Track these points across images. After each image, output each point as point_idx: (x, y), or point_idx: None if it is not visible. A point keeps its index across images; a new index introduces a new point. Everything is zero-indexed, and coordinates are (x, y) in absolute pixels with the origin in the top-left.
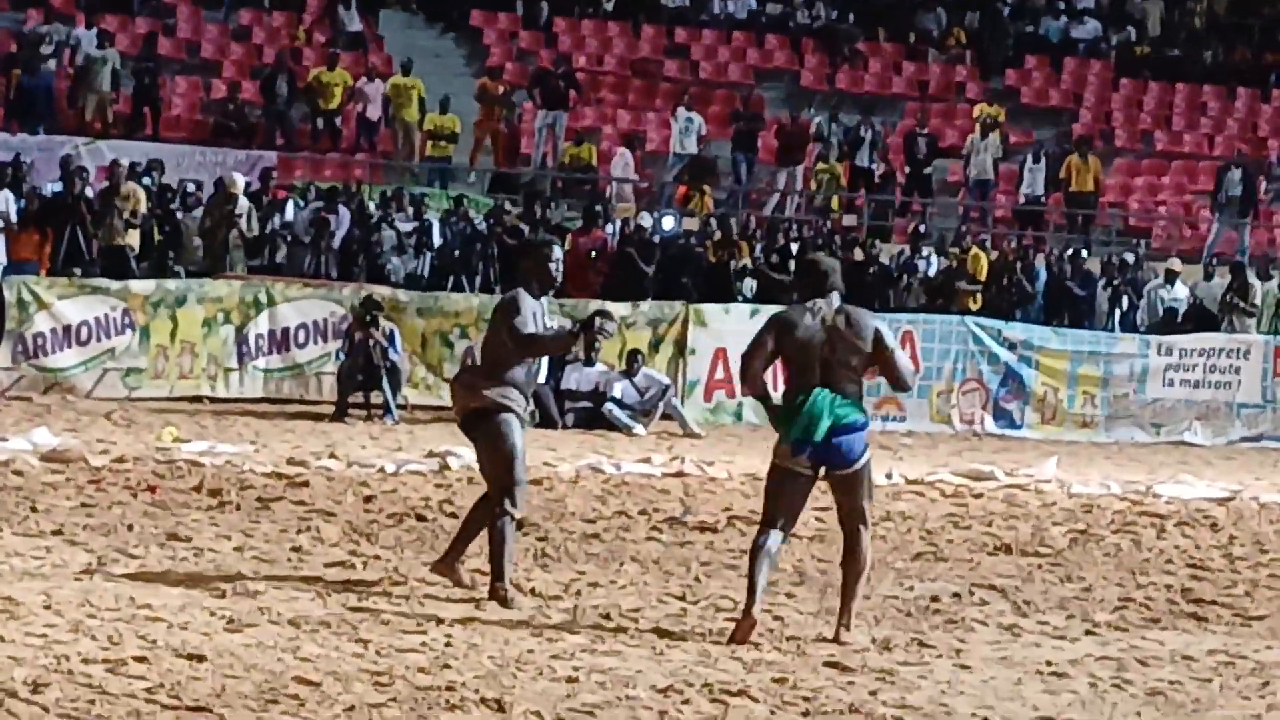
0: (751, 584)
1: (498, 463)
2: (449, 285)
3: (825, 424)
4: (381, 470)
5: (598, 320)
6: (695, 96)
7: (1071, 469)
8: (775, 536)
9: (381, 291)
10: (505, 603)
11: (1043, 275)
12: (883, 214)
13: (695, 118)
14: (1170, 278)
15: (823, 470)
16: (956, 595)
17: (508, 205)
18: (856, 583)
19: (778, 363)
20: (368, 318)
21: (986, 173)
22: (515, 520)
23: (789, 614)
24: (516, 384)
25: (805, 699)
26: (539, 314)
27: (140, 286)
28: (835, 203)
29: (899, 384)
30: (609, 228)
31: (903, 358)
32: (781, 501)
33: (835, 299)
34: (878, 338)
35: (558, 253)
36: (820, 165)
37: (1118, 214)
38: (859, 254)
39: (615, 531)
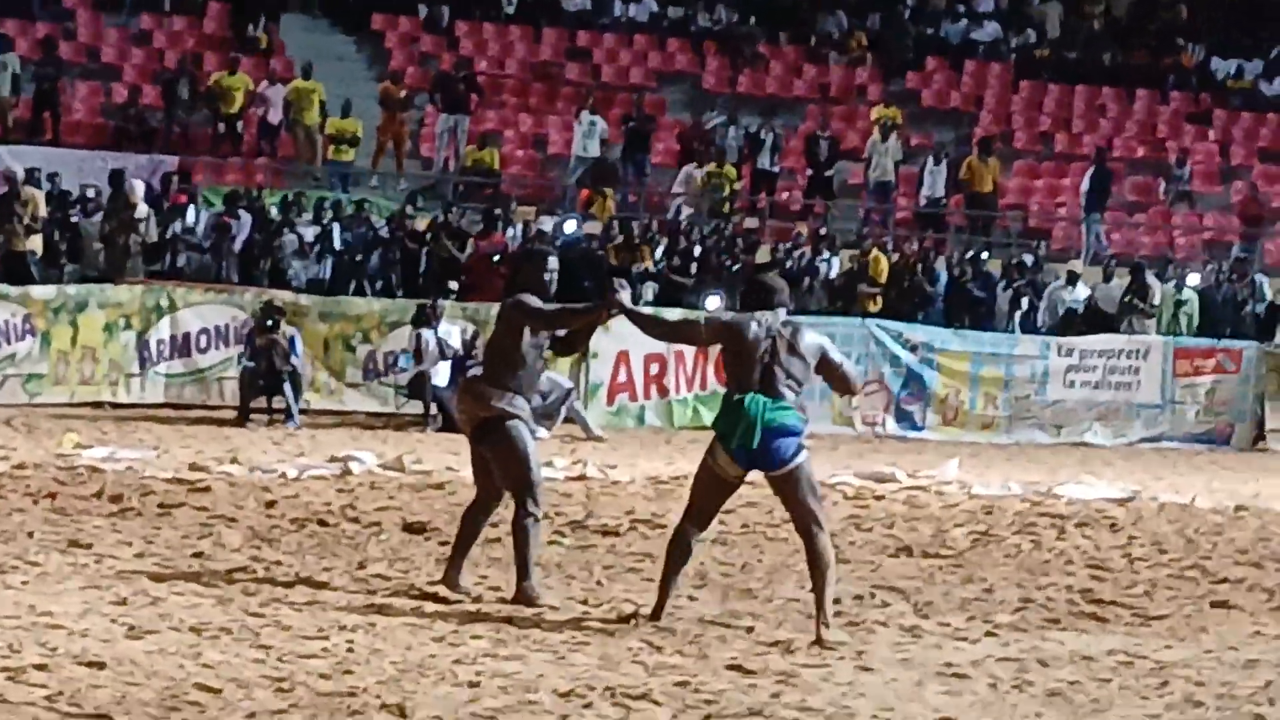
0: (665, 586)
1: (514, 467)
2: (351, 290)
3: (760, 430)
4: (283, 475)
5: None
6: (598, 100)
7: (973, 470)
8: (695, 536)
9: (283, 296)
10: (532, 602)
11: (943, 277)
12: (784, 216)
13: (598, 121)
14: (1072, 279)
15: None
16: (858, 597)
17: (409, 209)
18: (824, 580)
19: (718, 360)
20: (269, 322)
21: (887, 175)
22: (538, 520)
23: (690, 617)
24: (520, 390)
25: (707, 702)
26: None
27: (40, 292)
28: (726, 206)
29: (846, 390)
30: (510, 231)
31: (848, 365)
32: (705, 501)
33: (782, 314)
34: (822, 353)
35: (553, 263)
36: (712, 167)
37: (1017, 216)
38: (762, 256)
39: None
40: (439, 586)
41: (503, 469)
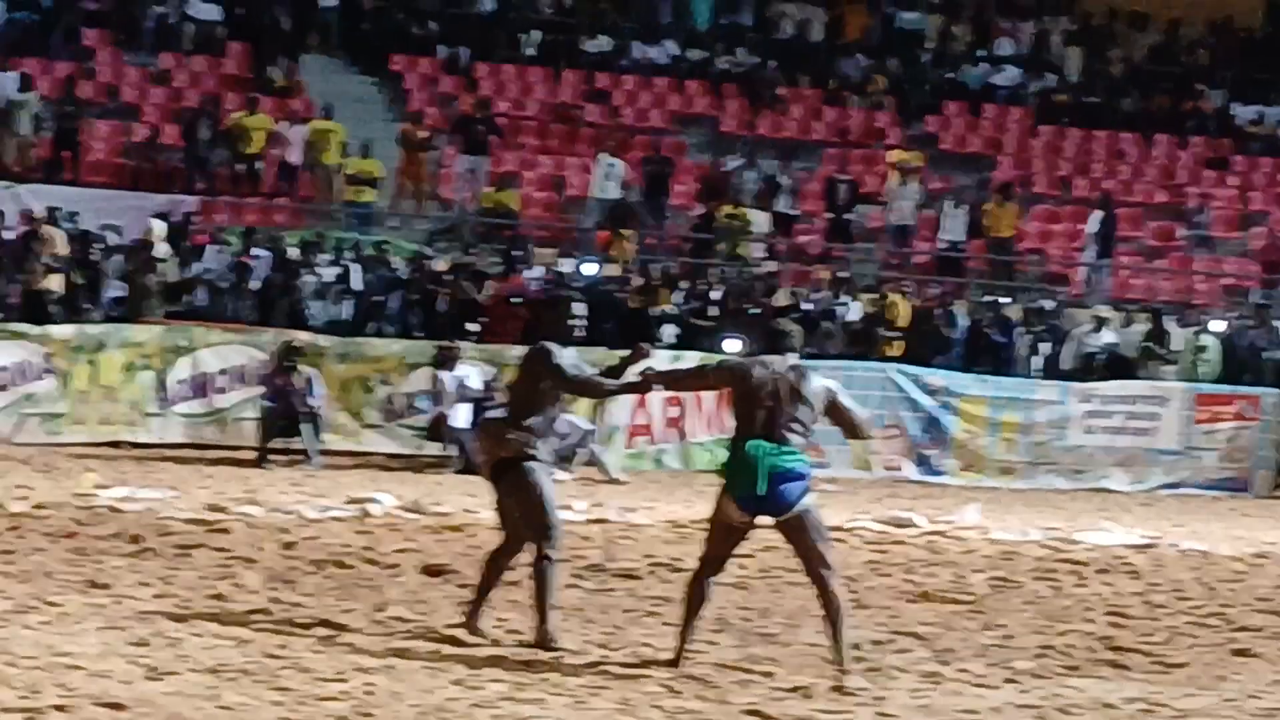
0: (684, 631)
1: (531, 509)
2: (370, 331)
3: (764, 478)
4: (302, 517)
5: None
6: (617, 142)
7: (992, 515)
8: (712, 582)
9: (302, 337)
10: (551, 646)
11: (962, 322)
12: (803, 259)
13: (617, 163)
14: (1099, 324)
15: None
16: (877, 642)
17: (428, 250)
18: (839, 623)
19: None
20: (288, 363)
21: (907, 219)
22: (554, 562)
23: (709, 661)
24: (539, 432)
25: None
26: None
27: (60, 332)
28: (744, 248)
29: (857, 434)
30: (529, 273)
31: (857, 409)
32: (717, 548)
33: (791, 358)
34: (830, 397)
35: (579, 310)
36: (727, 209)
37: (1036, 260)
38: (781, 299)
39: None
40: (458, 629)
41: (520, 510)
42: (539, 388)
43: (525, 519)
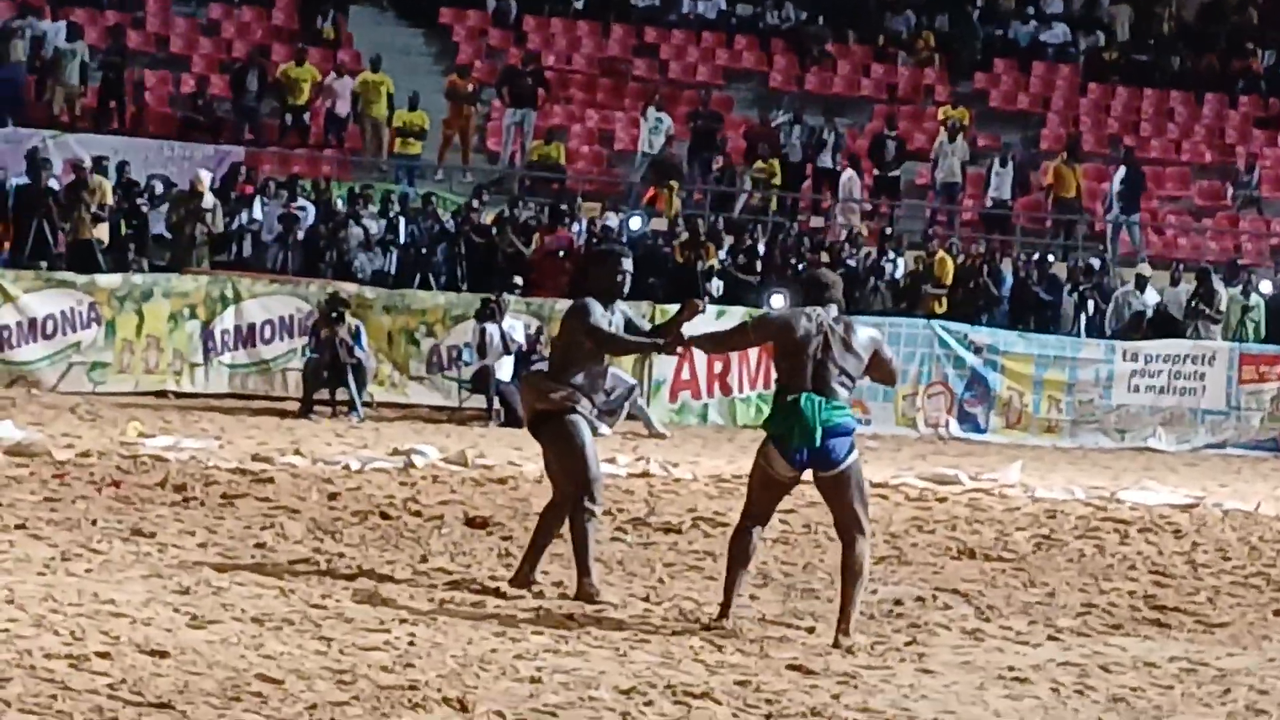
0: (731, 585)
1: (571, 462)
2: (415, 283)
3: (819, 430)
4: (346, 468)
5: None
6: (665, 96)
7: (1036, 474)
8: (756, 533)
9: (348, 288)
10: (592, 599)
11: (1009, 279)
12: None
13: (665, 118)
14: (1141, 283)
15: (810, 474)
16: (920, 599)
17: (474, 203)
18: (853, 588)
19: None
20: (334, 314)
21: (954, 176)
22: (596, 516)
23: (752, 616)
24: (581, 387)
25: (768, 701)
26: (609, 321)
27: (106, 281)
28: (774, 203)
29: (889, 381)
30: (575, 227)
31: (895, 360)
32: (763, 501)
33: (834, 310)
34: (875, 347)
35: (627, 264)
36: (758, 164)
37: (1084, 219)
38: (825, 256)
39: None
40: (501, 582)
41: (560, 464)
42: (579, 342)
43: (565, 472)
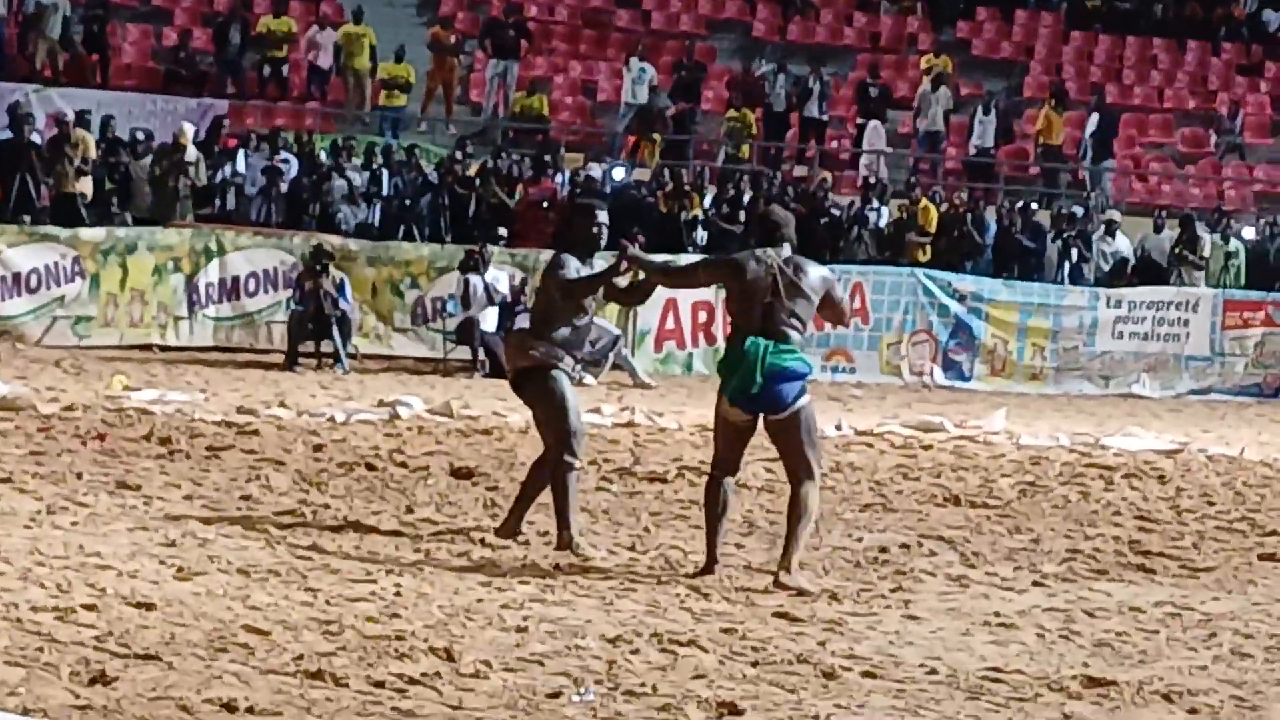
0: (712, 536)
1: (553, 416)
2: (399, 235)
3: (759, 374)
4: (331, 419)
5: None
6: (648, 47)
7: (1020, 421)
8: (727, 483)
9: (332, 241)
10: (574, 550)
11: (992, 228)
12: (832, 165)
13: (648, 68)
14: (1111, 229)
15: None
16: (905, 546)
17: (458, 155)
18: (797, 527)
19: (720, 310)
20: (318, 267)
21: (937, 124)
22: (577, 469)
23: (737, 564)
24: (564, 342)
25: (754, 649)
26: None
27: (90, 234)
28: (745, 150)
29: (837, 322)
30: (559, 178)
31: (845, 300)
32: (726, 447)
33: (786, 250)
34: (827, 288)
35: (602, 216)
36: (731, 113)
37: (1066, 166)
38: (809, 204)
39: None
40: (487, 532)
41: (542, 418)
42: (558, 298)
43: (547, 426)
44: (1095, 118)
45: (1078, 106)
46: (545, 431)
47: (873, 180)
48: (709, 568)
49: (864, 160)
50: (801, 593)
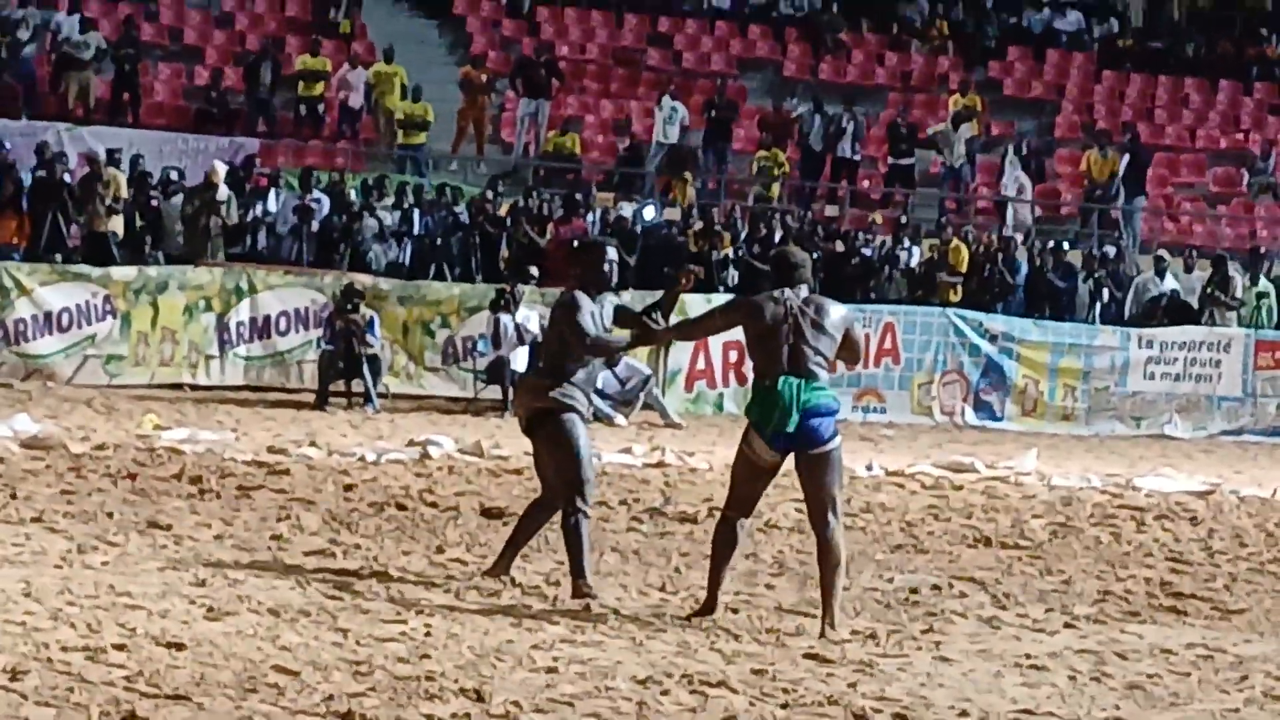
0: (716, 577)
1: (565, 463)
2: (430, 274)
3: (797, 413)
4: (362, 459)
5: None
6: (679, 86)
7: (1051, 461)
8: (741, 525)
9: (363, 280)
10: (587, 599)
11: (1024, 267)
12: (864, 204)
13: (679, 107)
14: (1160, 269)
15: (791, 457)
16: (936, 587)
17: (489, 194)
18: (834, 577)
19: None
20: (349, 306)
21: (960, 162)
22: (588, 517)
23: (768, 605)
24: (577, 383)
25: (784, 690)
26: (597, 314)
27: (121, 273)
28: (775, 190)
29: (853, 359)
30: (590, 217)
31: (862, 339)
32: (746, 488)
33: (804, 290)
34: (847, 325)
35: (613, 254)
36: (762, 153)
37: (1101, 206)
38: (840, 245)
39: (595, 522)
40: (517, 573)
41: (551, 462)
42: (570, 339)
43: (558, 472)
44: (1126, 158)
45: (1110, 146)
46: (553, 476)
47: (1027, 233)
48: (709, 607)
49: (1009, 209)
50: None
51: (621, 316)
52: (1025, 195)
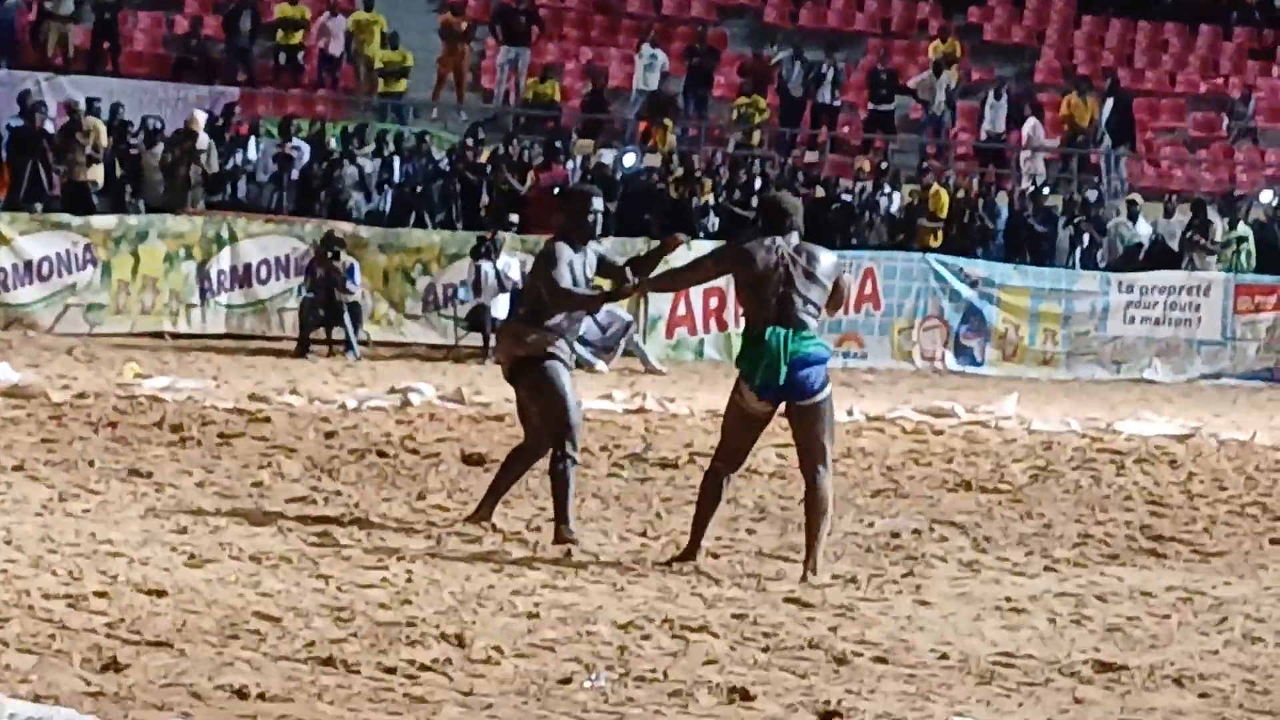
0: (700, 526)
1: (551, 409)
2: (411, 222)
3: (785, 364)
4: (343, 406)
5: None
6: (658, 33)
7: (1032, 406)
8: (729, 480)
9: (343, 227)
10: (571, 544)
11: (1004, 213)
12: (844, 150)
13: (659, 54)
14: (1133, 213)
15: (782, 405)
16: (916, 531)
17: (469, 142)
18: (820, 524)
19: (732, 295)
20: (330, 254)
21: (941, 109)
22: (576, 463)
23: (749, 550)
24: (560, 330)
25: (765, 635)
26: (579, 265)
27: (102, 222)
28: (756, 137)
29: (836, 307)
30: (570, 164)
31: (850, 286)
32: (737, 440)
33: (794, 238)
34: (838, 274)
35: (597, 203)
36: (742, 99)
37: (1083, 150)
38: (820, 191)
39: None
40: (466, 520)
41: (539, 410)
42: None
43: (544, 419)
44: (1111, 102)
45: (1090, 91)
46: (540, 424)
47: (1037, 183)
48: (690, 554)
49: (1024, 158)
50: None
51: (605, 267)
52: (1040, 140)
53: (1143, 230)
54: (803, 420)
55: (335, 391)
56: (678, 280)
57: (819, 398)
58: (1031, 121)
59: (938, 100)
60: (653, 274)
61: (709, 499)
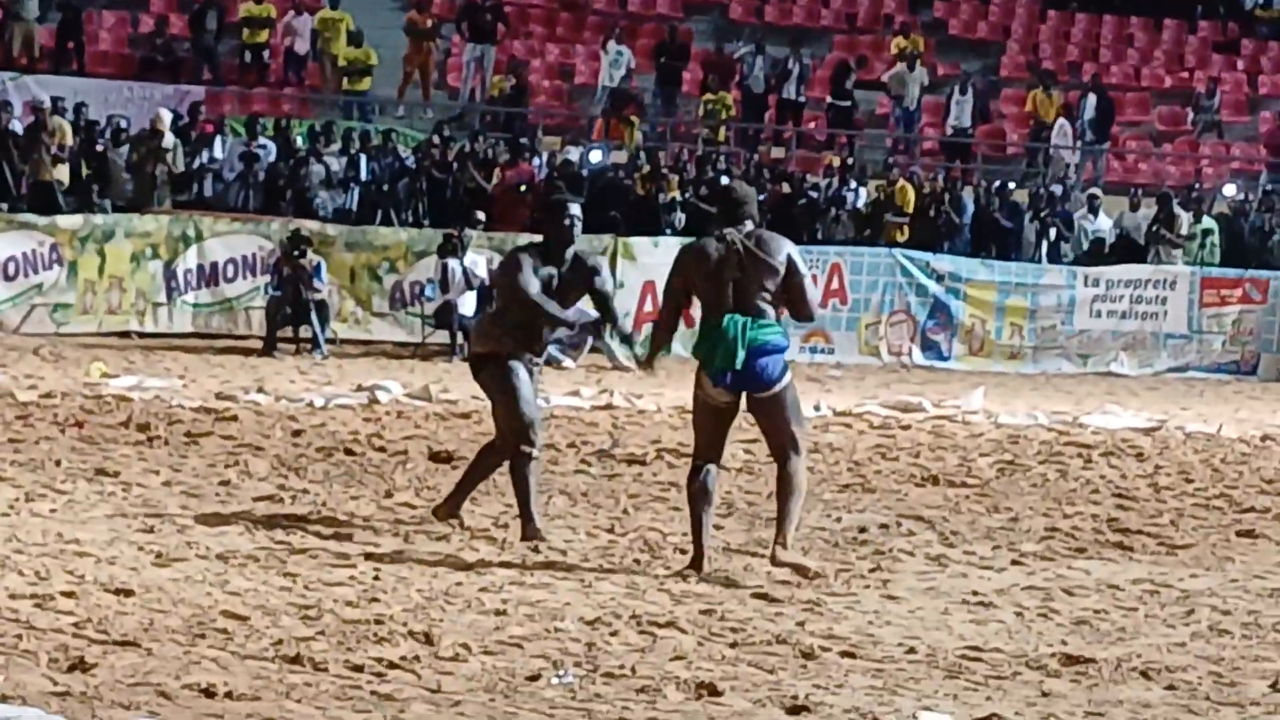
0: (698, 528)
1: (505, 406)
2: (377, 220)
3: (743, 350)
4: (310, 404)
5: (606, 337)
6: (625, 30)
7: (998, 400)
8: (711, 471)
9: (310, 226)
10: (537, 540)
11: (970, 207)
12: (810, 146)
13: (625, 51)
14: (1093, 206)
15: (744, 398)
16: (883, 526)
17: (435, 139)
18: (789, 503)
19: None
20: (295, 252)
21: (912, 104)
22: (536, 459)
23: (716, 546)
24: (518, 329)
25: (733, 630)
26: (543, 274)
27: (68, 222)
28: (722, 133)
29: (803, 313)
30: (536, 161)
31: (810, 286)
32: (708, 433)
33: (748, 225)
34: (790, 260)
35: (575, 210)
36: (708, 95)
37: (1043, 146)
38: (786, 187)
39: (543, 464)
40: (433, 514)
41: (497, 407)
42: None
43: (502, 416)
44: (1093, 99)
45: (1056, 86)
46: (499, 421)
47: (1065, 183)
48: (698, 562)
49: (1050, 159)
50: (798, 568)
51: (596, 296)
52: (1067, 140)
53: (1104, 224)
54: (767, 412)
55: (302, 390)
56: (664, 324)
57: (778, 388)
58: (1060, 122)
59: (910, 94)
60: (648, 349)
61: (699, 499)
